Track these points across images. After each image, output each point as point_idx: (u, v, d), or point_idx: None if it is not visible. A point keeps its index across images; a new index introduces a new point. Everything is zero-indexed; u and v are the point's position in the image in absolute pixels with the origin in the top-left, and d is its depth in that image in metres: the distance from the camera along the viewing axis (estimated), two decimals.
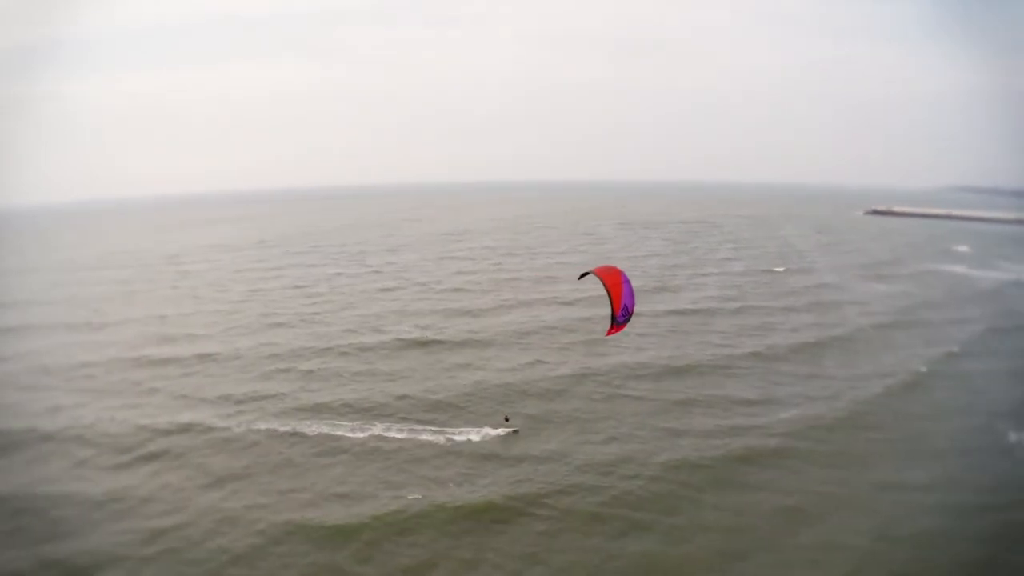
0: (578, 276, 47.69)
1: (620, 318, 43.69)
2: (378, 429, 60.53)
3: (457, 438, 58.66)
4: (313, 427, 61.11)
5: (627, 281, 43.61)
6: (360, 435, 59.60)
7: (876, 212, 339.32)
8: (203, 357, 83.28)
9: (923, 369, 76.95)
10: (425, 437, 58.84)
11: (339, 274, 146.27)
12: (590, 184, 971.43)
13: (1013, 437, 58.93)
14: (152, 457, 57.08)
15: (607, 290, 43.30)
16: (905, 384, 72.47)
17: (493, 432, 59.36)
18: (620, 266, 49.70)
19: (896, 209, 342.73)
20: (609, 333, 45.18)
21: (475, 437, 58.75)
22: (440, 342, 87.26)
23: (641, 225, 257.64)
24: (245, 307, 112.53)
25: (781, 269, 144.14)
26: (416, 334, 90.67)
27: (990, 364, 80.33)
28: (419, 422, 61.98)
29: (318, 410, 65.15)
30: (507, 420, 60.36)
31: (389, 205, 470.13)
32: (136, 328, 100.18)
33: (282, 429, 60.99)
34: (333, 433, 60.07)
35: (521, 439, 58.29)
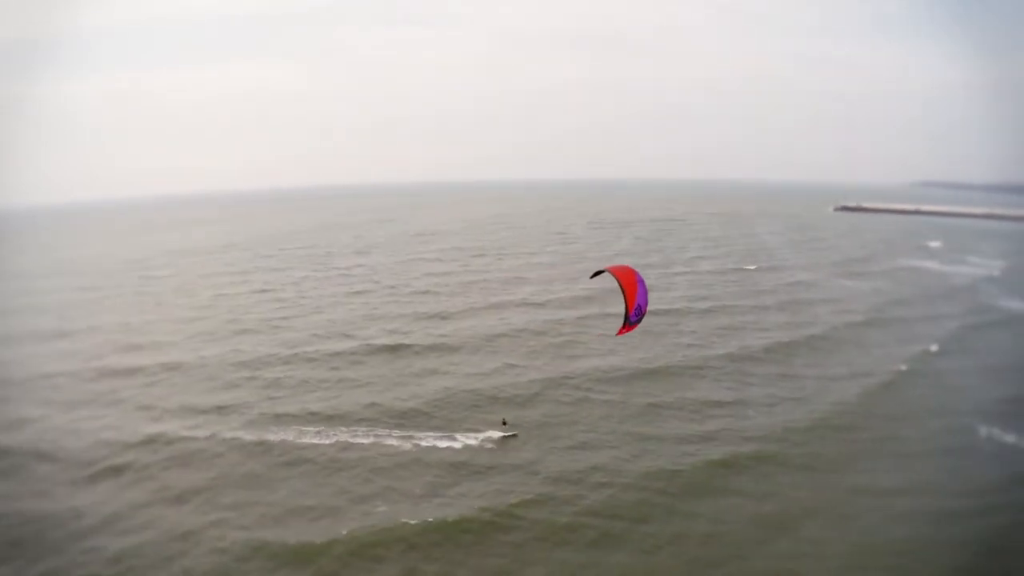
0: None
1: (633, 318, 43.41)
2: (344, 437, 59.26)
3: (423, 444, 57.66)
4: (279, 437, 59.63)
5: (641, 281, 43.26)
6: (327, 443, 58.33)
7: (845, 208, 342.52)
8: (168, 366, 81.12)
9: (901, 368, 76.97)
10: (392, 443, 57.60)
11: (306, 277, 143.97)
12: (564, 183, 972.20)
13: (985, 433, 58.75)
14: (116, 472, 55.18)
15: (621, 289, 43.01)
16: (881, 384, 72.39)
17: (467, 440, 58.27)
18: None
19: (865, 205, 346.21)
20: (620, 332, 44.73)
21: (443, 444, 57.64)
22: (408, 346, 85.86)
23: (612, 223, 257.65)
24: (211, 313, 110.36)
25: (752, 267, 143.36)
26: (384, 339, 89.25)
27: (965, 362, 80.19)
28: (387, 429, 60.70)
29: (284, 420, 63.49)
30: (505, 424, 59.75)
31: (364, 205, 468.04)
32: (101, 336, 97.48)
33: (247, 439, 59.43)
34: (299, 442, 58.67)
35: (489, 450, 57.02)
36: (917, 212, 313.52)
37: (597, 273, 45.76)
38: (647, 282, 42.95)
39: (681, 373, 75.26)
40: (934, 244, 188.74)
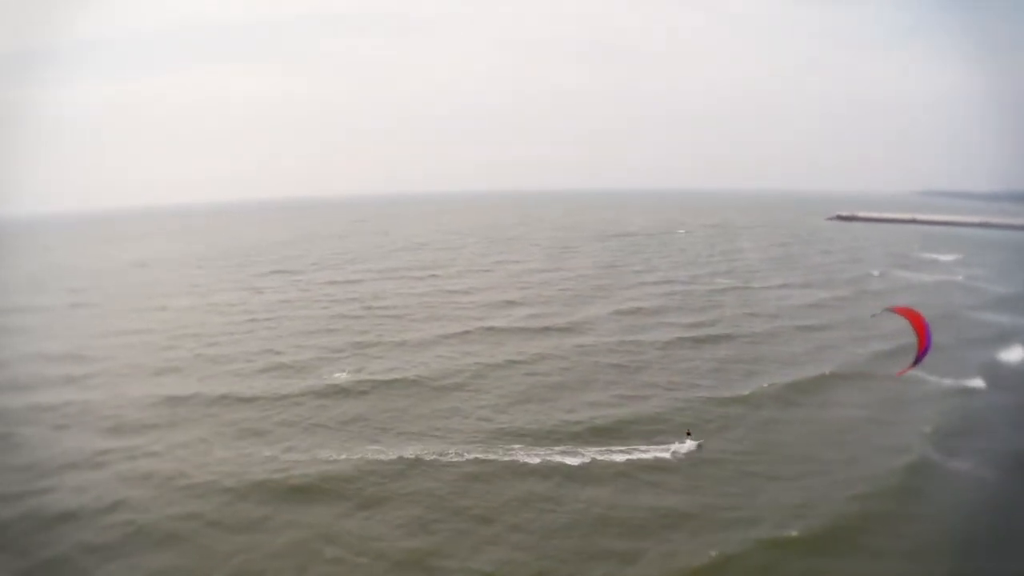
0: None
1: (921, 357, 47.27)
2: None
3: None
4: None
5: (928, 325, 46.81)
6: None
7: (840, 218, 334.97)
8: (74, 403, 71.08)
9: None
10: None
11: (267, 287, 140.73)
12: (561, 193, 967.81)
13: None
14: None
15: (915, 330, 47.08)
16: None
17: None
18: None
19: (860, 215, 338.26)
20: (902, 372, 51.07)
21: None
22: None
23: (595, 237, 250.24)
24: (142, 340, 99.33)
25: (724, 285, 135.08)
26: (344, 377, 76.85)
27: None
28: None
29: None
30: (689, 435, 56.74)
31: (354, 215, 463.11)
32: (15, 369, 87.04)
33: None
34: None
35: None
36: (913, 221, 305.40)
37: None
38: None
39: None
40: (930, 256, 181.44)
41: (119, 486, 50.90)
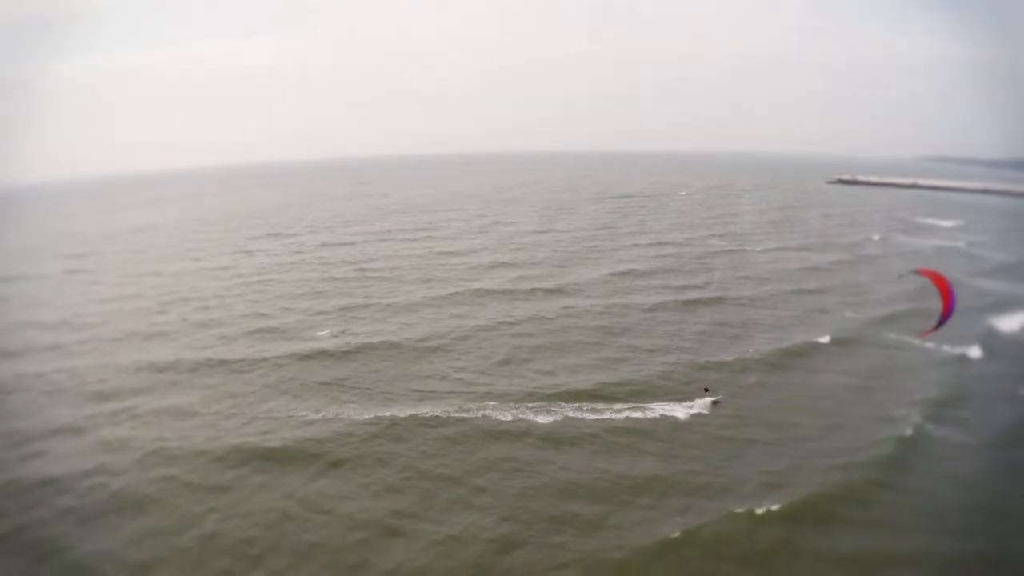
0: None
1: (945, 320, 48.71)
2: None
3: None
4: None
5: (953, 290, 48.42)
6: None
7: (841, 181, 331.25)
8: (63, 370, 70.91)
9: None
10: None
11: (259, 250, 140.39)
12: (564, 155, 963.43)
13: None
14: None
15: (940, 293, 48.34)
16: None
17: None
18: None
19: (861, 178, 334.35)
20: (927, 334, 53.35)
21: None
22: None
23: (594, 199, 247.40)
24: (134, 306, 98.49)
25: (719, 247, 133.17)
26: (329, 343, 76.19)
27: None
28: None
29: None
30: (707, 391, 56.83)
31: (357, 177, 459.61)
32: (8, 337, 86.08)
33: None
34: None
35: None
36: (914, 186, 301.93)
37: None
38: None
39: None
40: (930, 221, 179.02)
41: (101, 451, 51.37)
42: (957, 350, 69.89)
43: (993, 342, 73.89)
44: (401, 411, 55.22)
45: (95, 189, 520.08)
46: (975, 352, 69.85)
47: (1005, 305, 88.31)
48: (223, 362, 70.20)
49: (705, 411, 54.45)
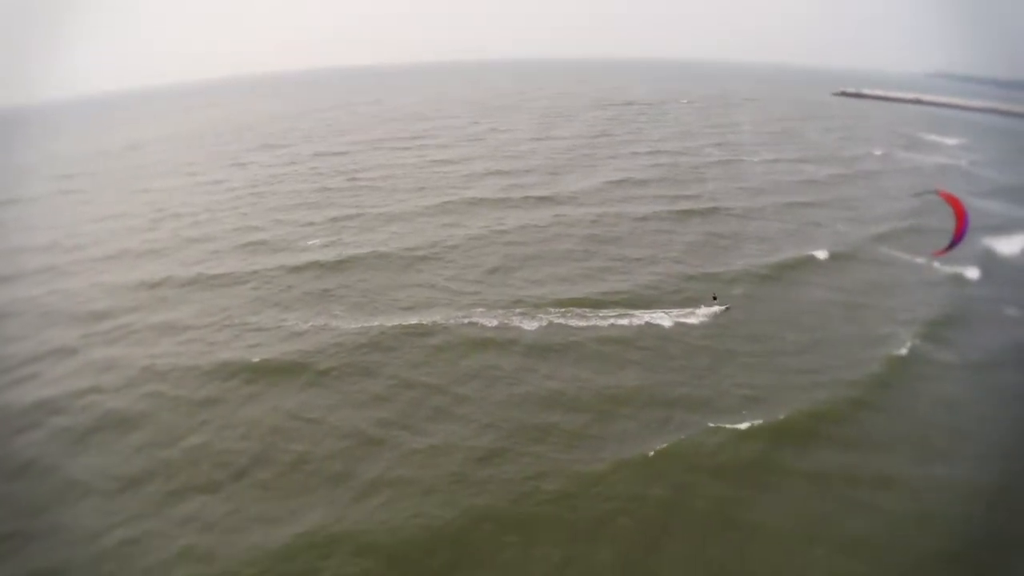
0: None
1: (957, 242, 49.62)
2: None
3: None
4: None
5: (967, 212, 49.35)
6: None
7: (844, 94, 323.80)
8: (56, 292, 70.61)
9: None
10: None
11: (253, 162, 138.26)
12: (572, 62, 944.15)
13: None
14: None
15: (955, 215, 48.92)
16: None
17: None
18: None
19: (864, 92, 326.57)
20: (938, 253, 53.38)
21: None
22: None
23: (593, 105, 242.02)
24: (125, 224, 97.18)
25: (716, 157, 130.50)
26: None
27: None
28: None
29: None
30: (715, 299, 57.23)
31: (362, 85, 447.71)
32: None
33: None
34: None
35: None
36: (918, 102, 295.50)
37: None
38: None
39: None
40: (931, 137, 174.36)
41: (93, 371, 51.58)
42: (956, 270, 68.34)
43: (991, 264, 72.02)
44: (389, 320, 55.22)
45: (118, 104, 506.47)
46: (972, 273, 68.20)
47: (1006, 227, 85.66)
48: (214, 276, 69.93)
49: (707, 319, 54.25)
